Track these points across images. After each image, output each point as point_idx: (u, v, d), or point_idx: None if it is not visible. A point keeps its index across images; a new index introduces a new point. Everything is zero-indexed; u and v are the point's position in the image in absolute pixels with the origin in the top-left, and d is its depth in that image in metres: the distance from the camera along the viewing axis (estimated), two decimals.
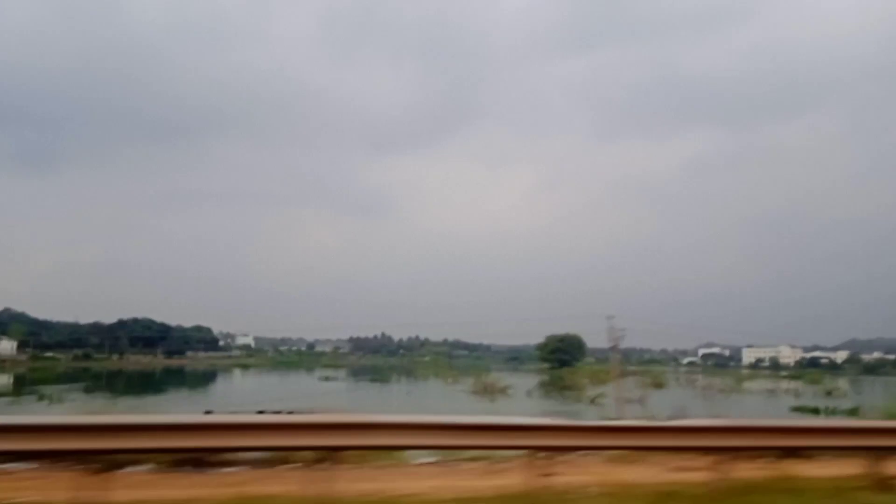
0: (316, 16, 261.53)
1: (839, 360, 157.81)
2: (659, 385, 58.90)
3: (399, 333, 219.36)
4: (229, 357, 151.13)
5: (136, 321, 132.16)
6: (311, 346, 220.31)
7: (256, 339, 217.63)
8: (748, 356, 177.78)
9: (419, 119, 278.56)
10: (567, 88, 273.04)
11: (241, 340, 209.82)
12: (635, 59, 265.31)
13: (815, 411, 36.96)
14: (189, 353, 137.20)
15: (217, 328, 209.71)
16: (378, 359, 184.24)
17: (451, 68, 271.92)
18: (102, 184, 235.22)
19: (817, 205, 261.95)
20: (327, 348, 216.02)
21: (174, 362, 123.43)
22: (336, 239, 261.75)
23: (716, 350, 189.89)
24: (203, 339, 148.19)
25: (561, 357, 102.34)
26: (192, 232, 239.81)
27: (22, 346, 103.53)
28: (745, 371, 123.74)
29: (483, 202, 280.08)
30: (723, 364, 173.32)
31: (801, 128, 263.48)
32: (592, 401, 41.42)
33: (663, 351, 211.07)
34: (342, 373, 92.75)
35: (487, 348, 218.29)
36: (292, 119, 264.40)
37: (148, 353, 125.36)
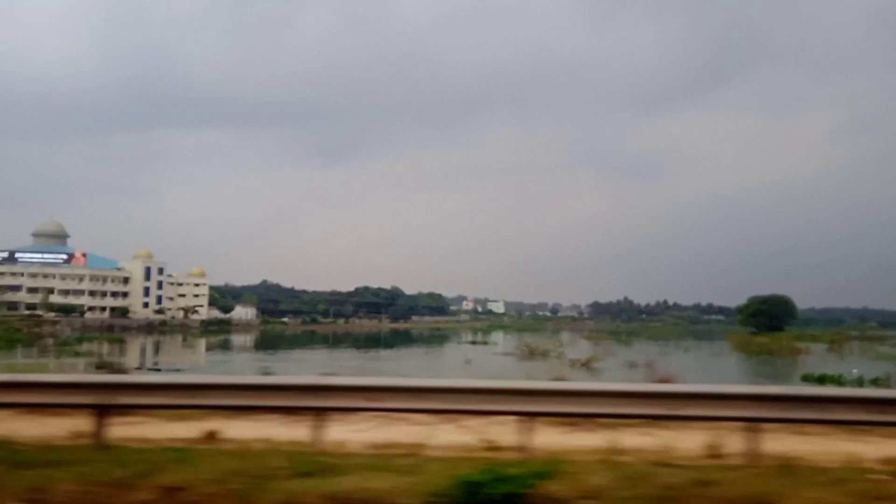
0: None
1: None
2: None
3: (644, 298, 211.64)
4: (457, 321, 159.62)
5: (367, 289, 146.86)
6: (554, 310, 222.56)
7: (507, 303, 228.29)
8: None
9: (689, 73, 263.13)
10: (864, 15, 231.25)
11: (491, 306, 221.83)
12: None
13: None
14: (415, 318, 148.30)
15: (471, 294, 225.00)
16: (617, 323, 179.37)
17: (721, 13, 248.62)
18: (388, 169, 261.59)
19: None
20: (574, 313, 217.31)
21: (400, 325, 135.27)
22: (602, 204, 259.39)
23: None
24: (432, 306, 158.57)
25: (764, 321, 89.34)
26: (464, 206, 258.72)
27: (262, 312, 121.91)
28: None
29: (766, 156, 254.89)
30: None
31: None
32: None
33: None
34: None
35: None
36: (557, 89, 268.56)
37: (374, 318, 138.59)
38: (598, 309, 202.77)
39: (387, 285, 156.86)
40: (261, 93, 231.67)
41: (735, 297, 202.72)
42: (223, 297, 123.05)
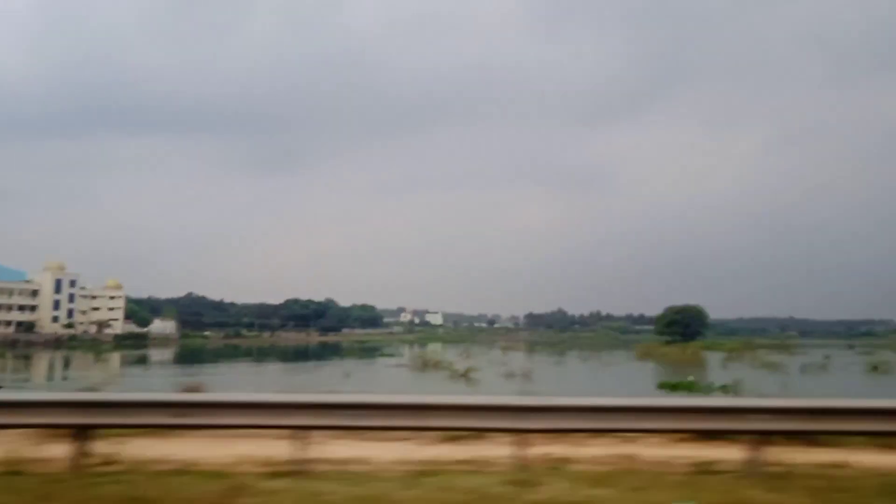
0: None
1: None
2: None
3: (579, 309, 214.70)
4: (390, 333, 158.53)
5: (296, 301, 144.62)
6: (491, 322, 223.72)
7: (446, 315, 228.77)
8: None
9: (630, 87, 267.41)
10: (795, 32, 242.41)
11: (429, 318, 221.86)
12: None
13: None
14: (345, 330, 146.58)
15: (410, 306, 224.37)
16: (550, 334, 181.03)
17: (662, 30, 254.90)
18: (332, 179, 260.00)
19: None
20: (511, 324, 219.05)
21: (329, 339, 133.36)
22: (543, 215, 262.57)
23: None
24: (363, 318, 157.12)
25: (678, 330, 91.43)
26: (408, 217, 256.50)
27: (184, 325, 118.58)
28: None
29: (700, 168, 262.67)
30: None
31: None
32: None
33: (883, 321, 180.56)
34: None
35: None
36: (503, 100, 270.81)
37: (302, 331, 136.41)
38: (534, 320, 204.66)
39: (323, 297, 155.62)
40: (203, 100, 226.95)
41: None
42: (144, 309, 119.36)
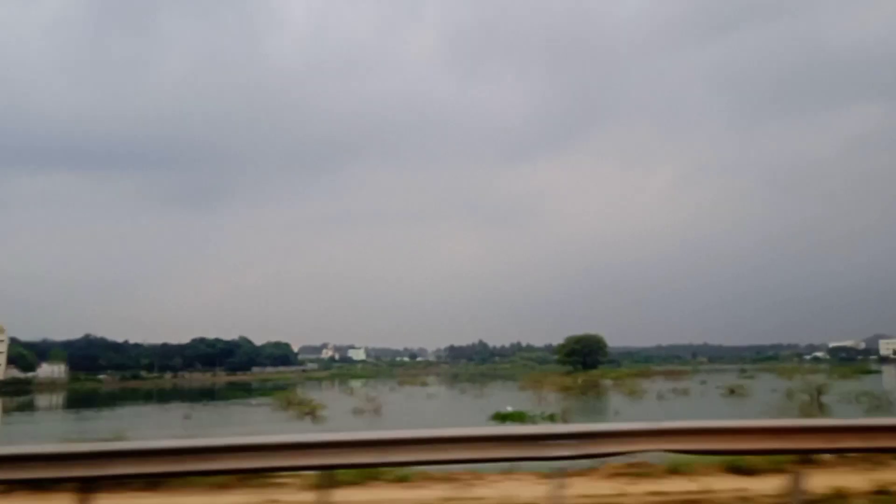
0: (441, 35, 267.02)
1: None
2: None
3: (499, 340, 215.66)
4: (303, 371, 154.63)
5: (202, 340, 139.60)
6: (413, 356, 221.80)
7: (369, 350, 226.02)
8: (885, 348, 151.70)
9: (550, 124, 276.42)
10: (703, 77, 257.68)
11: (352, 353, 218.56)
12: (773, 40, 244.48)
13: None
14: (255, 369, 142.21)
15: (330, 342, 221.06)
16: (471, 366, 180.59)
17: (579, 70, 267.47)
18: (255, 216, 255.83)
19: None
20: (433, 358, 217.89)
21: (238, 378, 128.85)
22: (468, 249, 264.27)
23: (849, 343, 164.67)
24: (276, 355, 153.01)
25: (578, 359, 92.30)
26: (333, 253, 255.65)
27: (77, 369, 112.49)
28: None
29: (619, 203, 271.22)
30: (850, 358, 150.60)
31: None
32: None
33: (791, 346, 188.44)
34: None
35: None
36: (425, 137, 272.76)
37: (208, 371, 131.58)
38: (455, 352, 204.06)
39: (236, 336, 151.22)
40: (116, 136, 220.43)
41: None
42: (32, 353, 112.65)
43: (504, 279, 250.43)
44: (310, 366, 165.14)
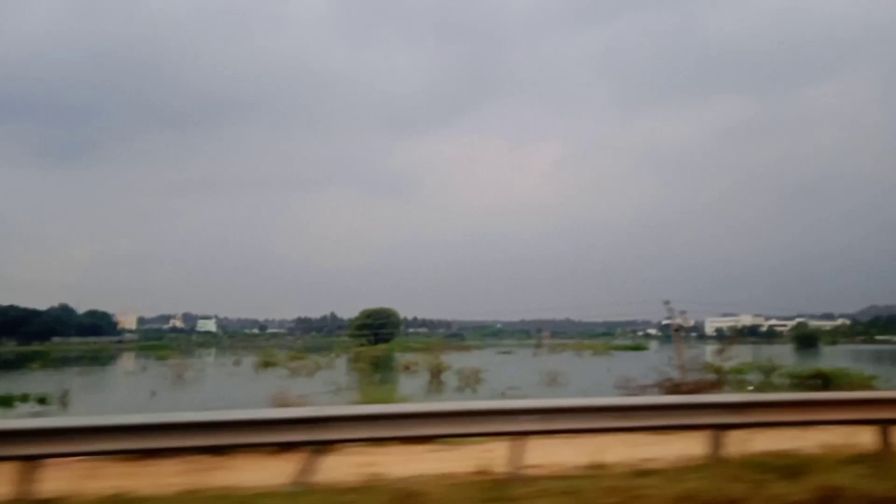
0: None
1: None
2: None
3: (351, 313, 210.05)
4: (120, 342, 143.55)
5: None
6: (263, 327, 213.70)
7: (220, 320, 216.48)
8: (709, 326, 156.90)
9: (440, 98, 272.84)
10: (587, 60, 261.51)
11: (203, 323, 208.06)
12: (655, 27, 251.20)
13: None
14: (55, 339, 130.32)
15: (178, 311, 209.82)
16: (319, 339, 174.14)
17: (469, 45, 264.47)
18: (122, 174, 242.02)
19: (846, 168, 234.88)
20: (282, 329, 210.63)
21: (29, 349, 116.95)
22: (352, 220, 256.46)
23: (678, 321, 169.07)
24: (83, 325, 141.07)
25: (375, 332, 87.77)
26: (200, 219, 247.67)
27: None
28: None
29: (504, 179, 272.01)
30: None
31: (830, 90, 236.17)
32: None
33: (631, 322, 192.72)
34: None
35: (447, 324, 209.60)
36: (312, 103, 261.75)
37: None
38: (305, 325, 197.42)
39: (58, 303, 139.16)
40: None
41: (436, 312, 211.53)
42: None
43: (386, 251, 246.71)
44: (128, 336, 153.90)
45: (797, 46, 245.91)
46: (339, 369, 50.26)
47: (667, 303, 25.62)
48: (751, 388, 24.14)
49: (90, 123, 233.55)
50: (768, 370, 28.88)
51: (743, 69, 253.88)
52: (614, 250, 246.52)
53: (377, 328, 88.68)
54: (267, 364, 48.80)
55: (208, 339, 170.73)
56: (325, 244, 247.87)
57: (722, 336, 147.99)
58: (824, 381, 24.22)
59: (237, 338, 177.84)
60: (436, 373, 35.84)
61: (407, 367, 43.14)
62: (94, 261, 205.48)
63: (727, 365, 24.35)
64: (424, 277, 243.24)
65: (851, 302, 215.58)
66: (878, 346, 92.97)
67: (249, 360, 57.02)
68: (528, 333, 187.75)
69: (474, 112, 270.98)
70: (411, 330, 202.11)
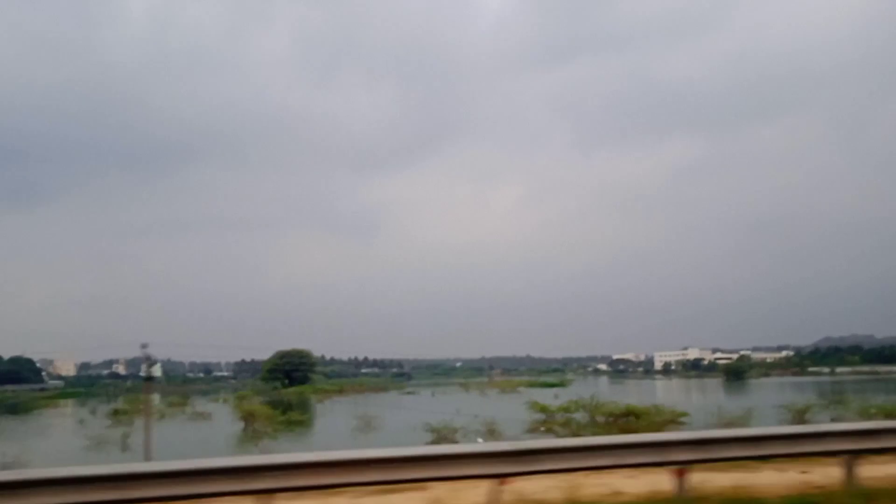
0: (291, 39, 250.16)
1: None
2: None
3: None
4: (42, 390, 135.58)
5: None
6: (207, 370, 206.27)
7: (167, 363, 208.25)
8: (658, 361, 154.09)
9: (401, 138, 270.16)
10: (546, 102, 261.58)
11: (145, 370, 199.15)
12: (612, 69, 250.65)
13: None
14: None
15: (122, 357, 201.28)
16: (258, 383, 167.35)
17: (430, 88, 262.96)
18: (77, 217, 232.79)
19: (799, 205, 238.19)
20: (227, 372, 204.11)
21: None
22: (310, 260, 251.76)
23: (629, 356, 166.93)
24: (1, 372, 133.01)
25: (287, 374, 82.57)
26: (158, 261, 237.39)
27: None
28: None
29: (466, 218, 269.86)
30: (625, 370, 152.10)
31: (780, 131, 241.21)
32: None
33: (592, 357, 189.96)
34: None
35: (399, 364, 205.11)
36: (273, 144, 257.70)
37: None
38: (244, 367, 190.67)
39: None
40: None
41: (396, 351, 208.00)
42: None
43: (344, 292, 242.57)
44: (53, 383, 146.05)
45: (749, 88, 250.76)
46: (217, 417, 47.10)
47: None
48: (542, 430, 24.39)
49: (46, 167, 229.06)
50: (592, 409, 25.62)
51: (697, 109, 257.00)
52: (574, 287, 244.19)
53: (290, 370, 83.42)
54: (117, 413, 46.42)
55: (148, 385, 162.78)
56: (282, 285, 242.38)
57: (668, 370, 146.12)
58: (636, 417, 24.24)
59: (175, 383, 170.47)
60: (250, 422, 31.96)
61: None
62: (47, 305, 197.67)
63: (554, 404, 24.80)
64: (382, 317, 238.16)
65: (807, 335, 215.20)
66: (807, 378, 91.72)
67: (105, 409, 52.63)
68: (481, 371, 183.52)
69: (436, 152, 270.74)
70: (364, 370, 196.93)
